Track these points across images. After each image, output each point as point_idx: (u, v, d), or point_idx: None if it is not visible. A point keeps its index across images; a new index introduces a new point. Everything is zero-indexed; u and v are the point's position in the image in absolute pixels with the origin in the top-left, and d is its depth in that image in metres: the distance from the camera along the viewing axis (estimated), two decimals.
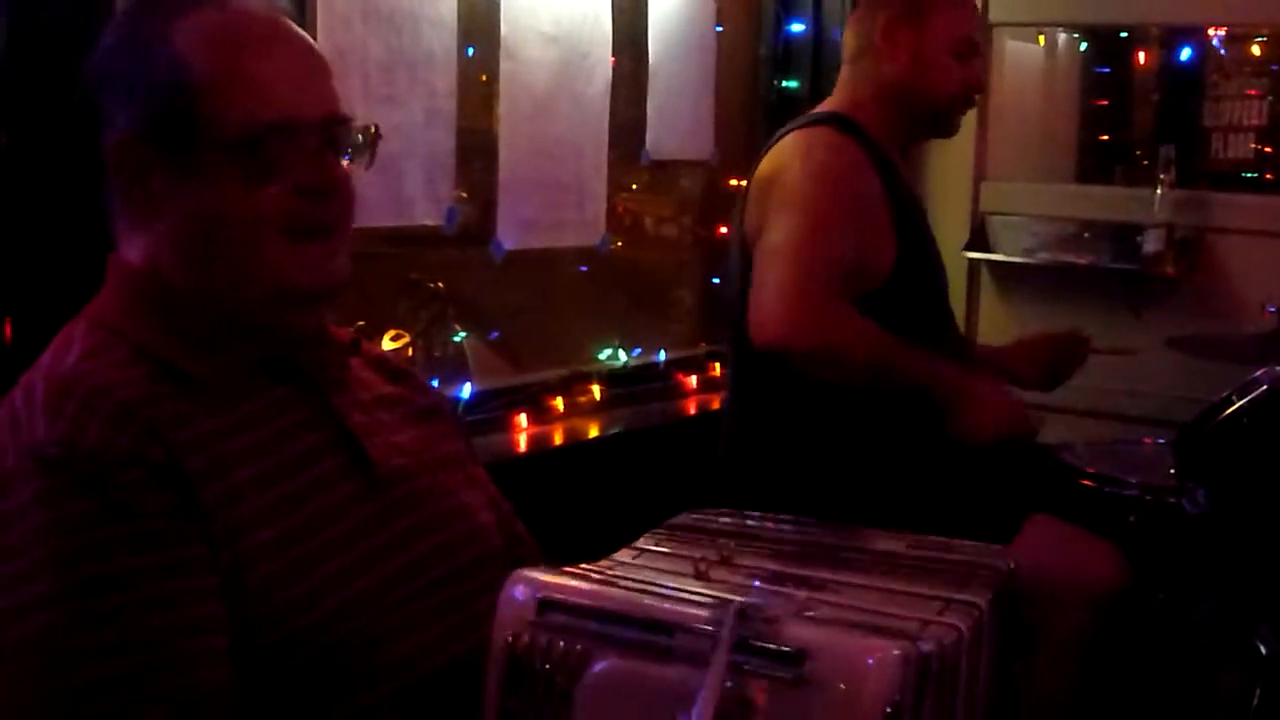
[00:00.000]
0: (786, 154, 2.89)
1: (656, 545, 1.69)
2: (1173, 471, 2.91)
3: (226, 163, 1.59)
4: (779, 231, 2.77)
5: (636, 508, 2.08)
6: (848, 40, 3.08)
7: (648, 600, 1.42)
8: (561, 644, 1.40)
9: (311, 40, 1.72)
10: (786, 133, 2.96)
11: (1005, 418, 2.78)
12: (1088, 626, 2.73)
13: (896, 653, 1.31)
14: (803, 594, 1.44)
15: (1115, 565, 2.75)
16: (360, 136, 1.70)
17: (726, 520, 1.78)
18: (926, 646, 1.34)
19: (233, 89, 1.59)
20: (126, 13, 1.73)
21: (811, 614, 1.38)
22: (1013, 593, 1.66)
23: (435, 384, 3.15)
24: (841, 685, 1.30)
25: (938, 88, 2.99)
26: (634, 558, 1.64)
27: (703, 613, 1.36)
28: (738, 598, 1.37)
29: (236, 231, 1.61)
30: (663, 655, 1.36)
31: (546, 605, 1.42)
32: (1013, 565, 1.68)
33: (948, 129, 3.11)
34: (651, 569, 1.57)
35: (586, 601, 1.42)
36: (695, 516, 1.80)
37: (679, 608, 1.39)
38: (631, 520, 1.85)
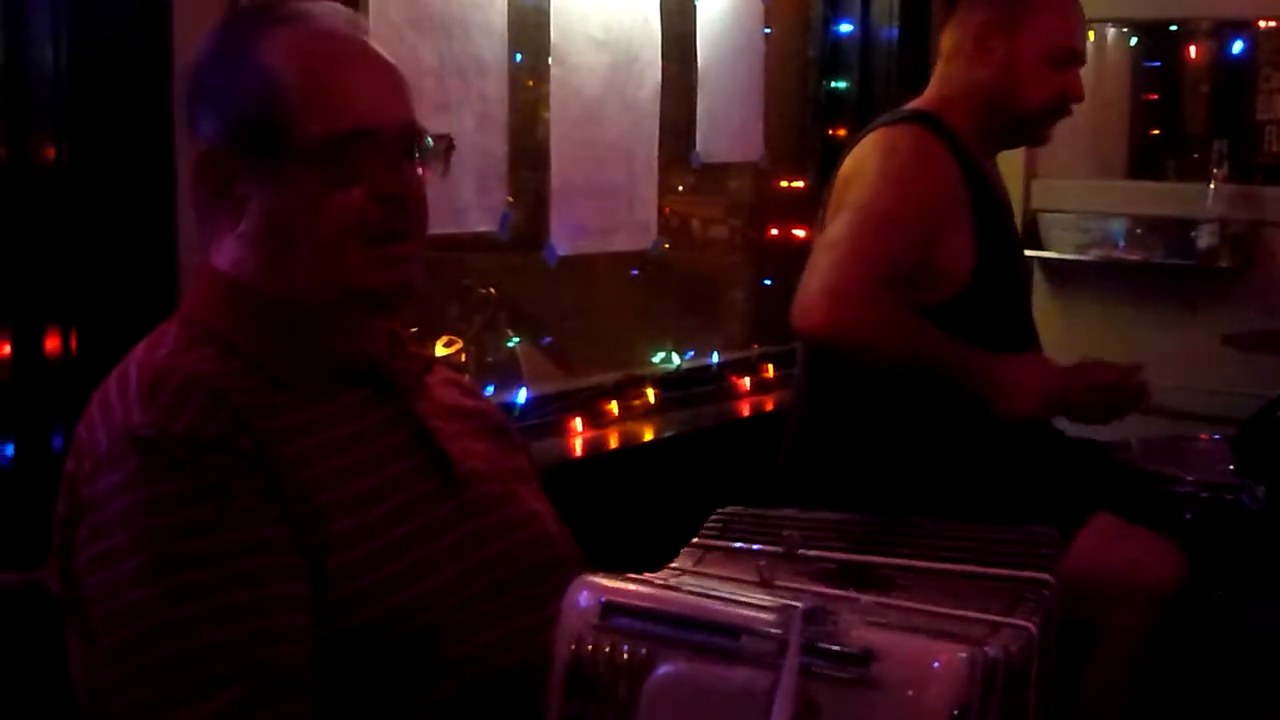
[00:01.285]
0: (867, 150, 2.88)
1: (719, 540, 1.70)
2: (1231, 468, 2.89)
3: (308, 169, 1.66)
4: (840, 224, 2.77)
5: (692, 511, 2.09)
6: (944, 38, 3.07)
7: (712, 604, 1.42)
8: (625, 648, 1.40)
9: (390, 59, 1.77)
10: (874, 128, 2.95)
11: (1041, 391, 2.74)
12: (1149, 625, 2.72)
13: (963, 655, 1.31)
14: (868, 597, 1.44)
15: (1176, 563, 2.74)
16: (434, 146, 1.77)
17: (788, 513, 1.79)
18: (993, 651, 1.34)
19: (316, 98, 1.67)
20: (217, 28, 1.80)
21: (877, 618, 1.38)
22: (1066, 583, 1.65)
23: (491, 389, 3.19)
24: (907, 688, 1.30)
25: (1029, 97, 2.96)
26: (695, 562, 1.65)
27: (768, 615, 1.36)
28: (801, 604, 1.37)
29: (315, 235, 1.67)
30: (728, 658, 1.36)
31: (610, 609, 1.43)
32: (1059, 546, 1.68)
33: (1038, 138, 3.09)
34: (713, 576, 1.58)
35: (651, 605, 1.43)
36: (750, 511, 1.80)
37: (744, 611, 1.39)
38: (688, 523, 1.86)
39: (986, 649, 1.33)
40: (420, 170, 1.74)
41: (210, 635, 1.50)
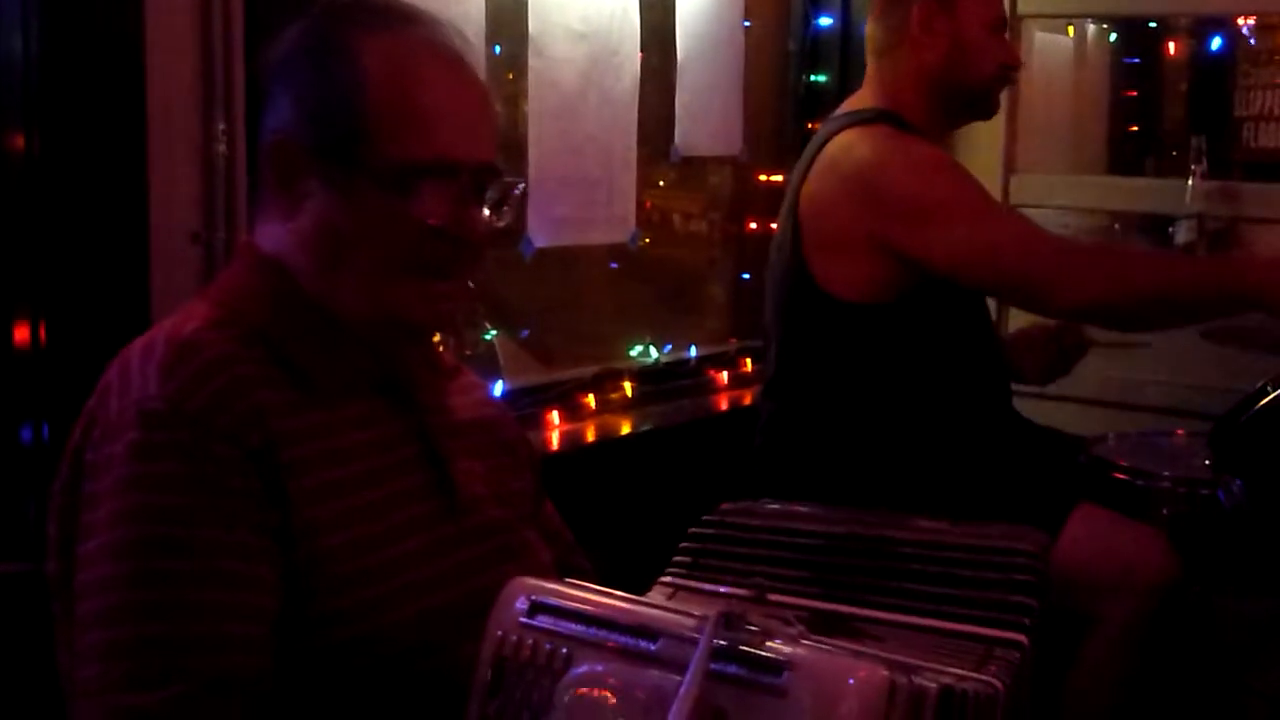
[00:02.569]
0: (884, 154, 2.87)
1: (689, 577, 1.68)
2: (1207, 463, 2.89)
3: (375, 188, 1.63)
4: (969, 230, 2.79)
5: (669, 504, 2.08)
6: (875, 35, 3.06)
7: (636, 607, 1.41)
8: (548, 646, 1.39)
9: (484, 83, 1.75)
10: (837, 130, 2.93)
11: None
12: (1140, 617, 2.73)
13: (883, 674, 1.25)
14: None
15: (1167, 555, 2.74)
16: (504, 190, 1.73)
17: (759, 524, 1.74)
18: (924, 682, 1.29)
19: (401, 120, 1.63)
20: (316, 16, 1.75)
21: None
22: (1051, 581, 1.63)
23: None
24: (818, 702, 1.24)
25: (980, 68, 2.99)
26: (668, 597, 1.63)
27: (688, 620, 1.34)
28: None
29: (365, 255, 1.65)
30: (645, 661, 1.33)
31: (537, 608, 1.42)
32: (1047, 550, 1.65)
33: (989, 108, 3.09)
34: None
35: (575, 605, 1.41)
36: (731, 515, 1.77)
37: (666, 614, 1.38)
38: (664, 517, 1.85)
39: (915, 678, 1.28)
40: (487, 211, 1.70)
41: (169, 627, 1.48)
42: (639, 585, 1.58)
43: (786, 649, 1.29)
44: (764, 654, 1.28)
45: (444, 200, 1.64)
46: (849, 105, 3.06)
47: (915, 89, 2.99)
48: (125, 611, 1.48)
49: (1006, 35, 3.08)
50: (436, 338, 1.98)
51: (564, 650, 1.38)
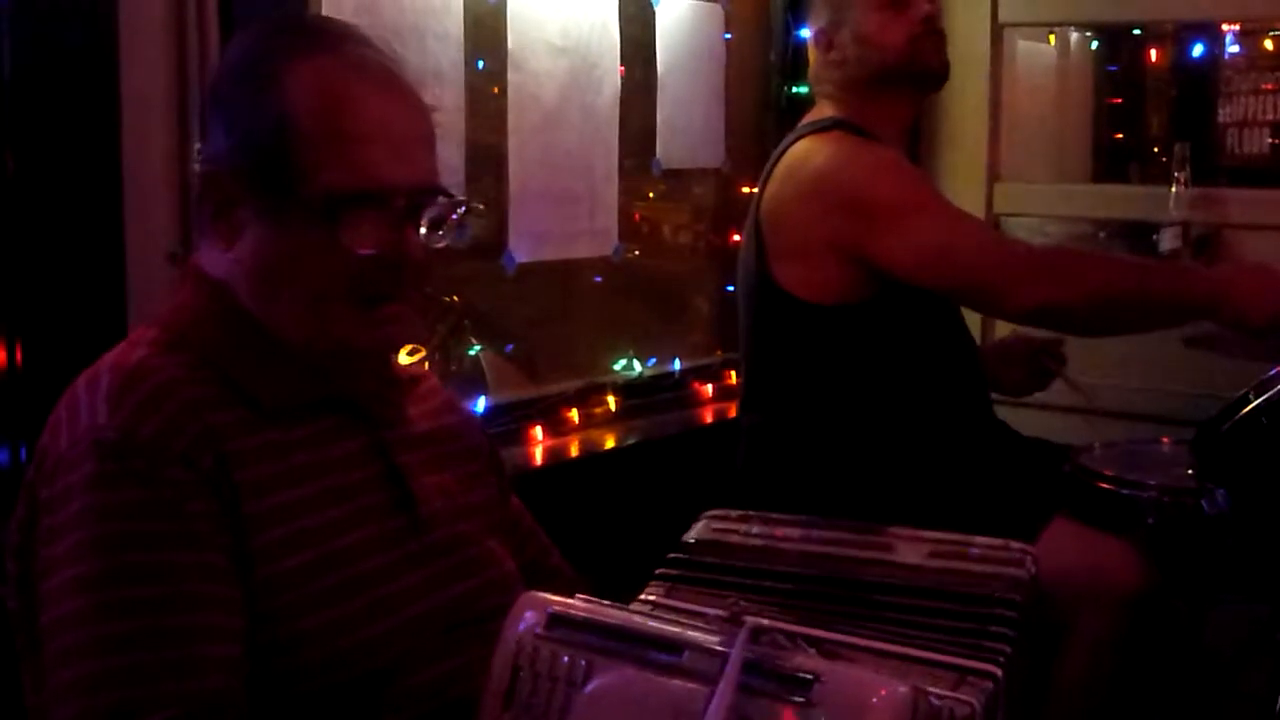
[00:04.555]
0: (839, 159, 2.88)
1: (666, 598, 1.67)
2: (1191, 472, 2.89)
3: (308, 217, 1.61)
4: (923, 232, 2.81)
5: (654, 518, 2.07)
6: (810, 71, 3.10)
7: (657, 621, 1.41)
8: (565, 658, 1.38)
9: (420, 99, 1.71)
10: (795, 140, 2.95)
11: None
12: (1115, 628, 2.73)
13: (904, 691, 1.27)
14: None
15: (1138, 567, 2.75)
16: (445, 210, 1.70)
17: (736, 543, 1.73)
18: (936, 701, 1.31)
19: (330, 148, 1.61)
20: (246, 40, 1.74)
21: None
22: (1037, 595, 1.63)
23: None
24: (845, 716, 1.26)
25: (889, 45, 2.96)
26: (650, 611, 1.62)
27: (713, 633, 1.35)
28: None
29: (304, 284, 1.64)
30: (669, 672, 1.33)
31: (556, 620, 1.41)
32: (1034, 570, 1.64)
33: (927, 76, 3.04)
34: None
35: (595, 617, 1.41)
36: (710, 531, 1.76)
37: (689, 629, 1.38)
38: (649, 531, 1.85)
39: (930, 695, 1.30)
40: (424, 231, 1.67)
41: (143, 655, 1.46)
42: (624, 600, 1.57)
43: (814, 663, 1.30)
44: (792, 667, 1.29)
45: (376, 226, 1.62)
46: (807, 118, 3.08)
47: (852, 98, 3.01)
48: (99, 644, 1.46)
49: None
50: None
51: (583, 661, 1.37)
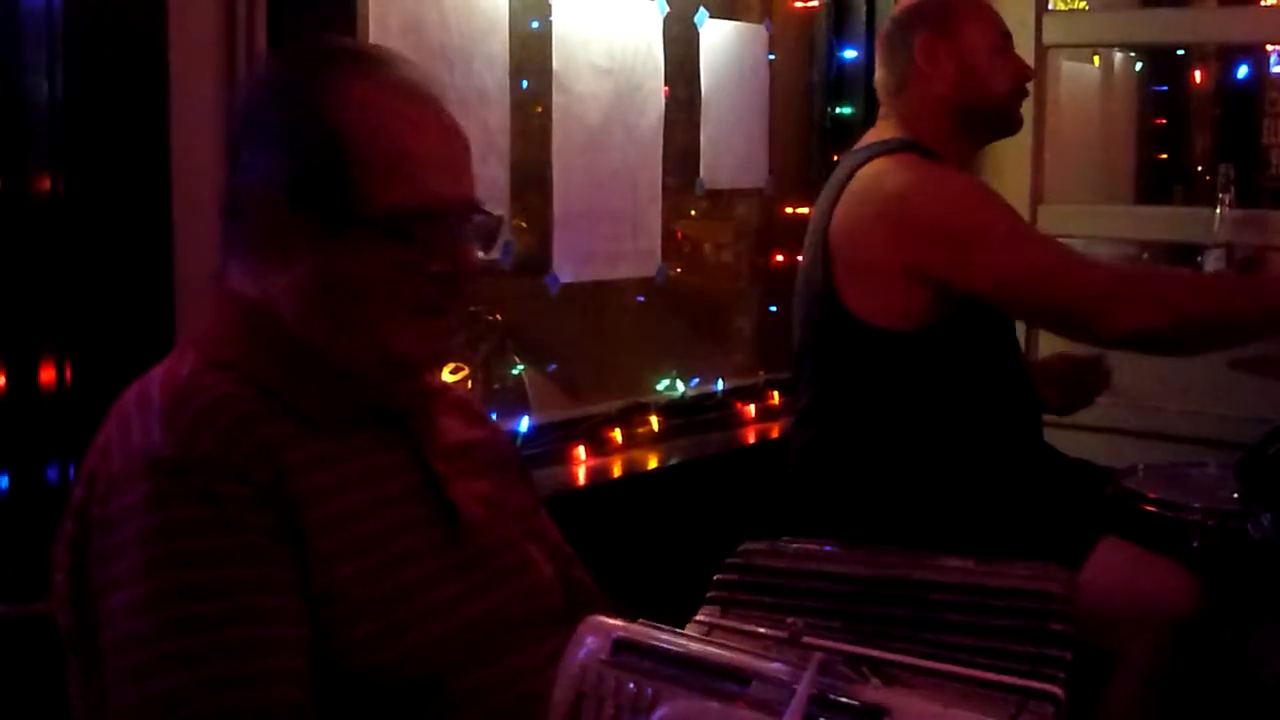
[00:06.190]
0: (916, 182, 2.87)
1: (721, 619, 1.67)
2: (1236, 496, 2.87)
3: (371, 237, 1.63)
4: (1007, 258, 2.80)
5: (697, 538, 2.08)
6: (884, 79, 3.07)
7: (724, 650, 1.41)
8: (631, 685, 1.37)
9: (455, 118, 1.74)
10: (864, 160, 2.92)
11: None
12: (1167, 652, 2.70)
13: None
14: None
15: (1192, 589, 2.73)
16: (486, 224, 1.73)
17: (785, 566, 1.73)
18: None
19: (386, 165, 1.63)
20: (281, 63, 1.78)
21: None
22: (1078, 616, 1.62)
23: (494, 416, 3.19)
24: None
25: (992, 90, 2.99)
26: (704, 634, 1.62)
27: (781, 664, 1.34)
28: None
29: (369, 303, 1.65)
30: (735, 701, 1.33)
31: (622, 646, 1.40)
32: (1072, 590, 1.64)
33: (1012, 124, 3.09)
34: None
35: (662, 645, 1.40)
36: (757, 556, 1.75)
37: (757, 659, 1.37)
38: (692, 551, 1.85)
39: None
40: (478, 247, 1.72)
41: (209, 671, 1.47)
42: (668, 622, 1.57)
43: (883, 695, 1.30)
44: (861, 700, 1.29)
45: (439, 242, 1.65)
46: (870, 138, 3.06)
47: (934, 120, 2.99)
48: (165, 662, 1.47)
49: (1013, 49, 3.08)
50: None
51: (649, 689, 1.37)
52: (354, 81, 1.66)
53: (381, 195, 1.62)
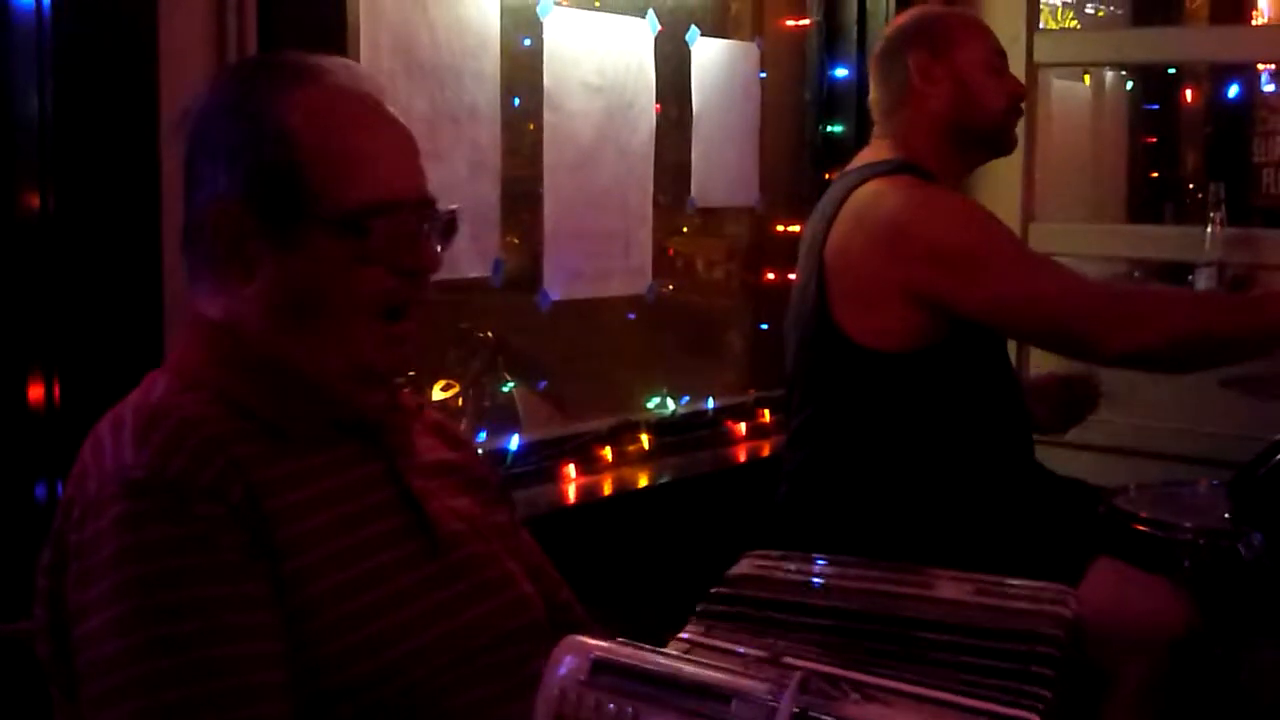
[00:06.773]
0: (913, 204, 2.86)
1: (703, 637, 1.66)
2: (1227, 515, 2.87)
3: (330, 238, 1.64)
4: (1007, 280, 2.81)
5: (687, 556, 2.07)
6: (879, 97, 3.08)
7: (704, 669, 1.40)
8: (610, 706, 1.37)
9: (401, 119, 1.76)
10: (859, 182, 2.92)
11: None
12: (1160, 671, 2.70)
13: None
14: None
15: (1186, 609, 2.72)
16: (441, 218, 1.75)
17: (778, 581, 1.73)
18: None
19: (340, 166, 1.65)
20: (228, 80, 1.78)
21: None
22: (1079, 636, 1.61)
23: (484, 435, 3.18)
24: None
25: (988, 108, 3.00)
26: (685, 652, 1.62)
27: (761, 682, 1.33)
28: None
29: (334, 306, 1.66)
30: None
31: (600, 666, 1.40)
32: (1075, 610, 1.63)
33: (1007, 143, 3.10)
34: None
35: (641, 665, 1.40)
36: (749, 571, 1.75)
37: (737, 678, 1.37)
38: (681, 569, 1.84)
39: None
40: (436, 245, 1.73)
41: (188, 691, 1.47)
42: (656, 640, 1.57)
43: (864, 711, 1.30)
44: (844, 717, 1.29)
45: (397, 238, 1.66)
46: (864, 158, 3.05)
47: (929, 138, 2.99)
48: (143, 683, 1.47)
49: (1007, 68, 3.09)
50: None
51: (629, 709, 1.36)
52: (299, 88, 1.69)
53: (335, 194, 1.64)
